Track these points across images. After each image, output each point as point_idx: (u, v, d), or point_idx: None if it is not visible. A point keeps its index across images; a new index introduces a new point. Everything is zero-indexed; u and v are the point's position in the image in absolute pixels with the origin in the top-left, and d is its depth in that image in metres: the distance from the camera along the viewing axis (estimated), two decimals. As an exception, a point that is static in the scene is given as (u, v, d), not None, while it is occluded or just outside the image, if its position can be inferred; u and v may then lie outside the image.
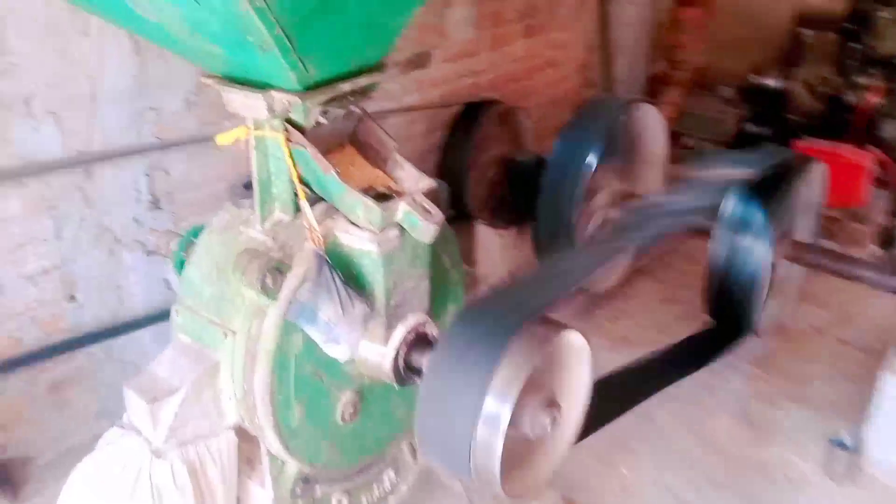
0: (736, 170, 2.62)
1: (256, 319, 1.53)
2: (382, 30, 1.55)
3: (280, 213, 1.62)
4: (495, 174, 3.50)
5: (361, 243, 1.54)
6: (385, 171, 1.69)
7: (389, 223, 1.54)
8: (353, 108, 1.60)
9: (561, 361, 1.55)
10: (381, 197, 1.63)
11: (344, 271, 1.56)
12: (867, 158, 3.98)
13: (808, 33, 4.46)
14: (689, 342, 2.80)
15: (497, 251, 3.38)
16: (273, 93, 1.46)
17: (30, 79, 2.23)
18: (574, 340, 1.54)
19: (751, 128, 4.80)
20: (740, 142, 4.83)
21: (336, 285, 1.52)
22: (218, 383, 1.58)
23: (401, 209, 1.53)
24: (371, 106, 3.24)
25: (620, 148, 3.30)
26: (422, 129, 3.57)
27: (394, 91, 3.37)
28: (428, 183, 1.63)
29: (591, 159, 2.99)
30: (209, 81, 1.55)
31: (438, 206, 1.91)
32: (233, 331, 1.56)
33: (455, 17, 3.56)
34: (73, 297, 2.50)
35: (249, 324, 1.54)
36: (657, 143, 3.42)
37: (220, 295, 1.59)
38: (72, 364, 2.53)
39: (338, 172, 1.53)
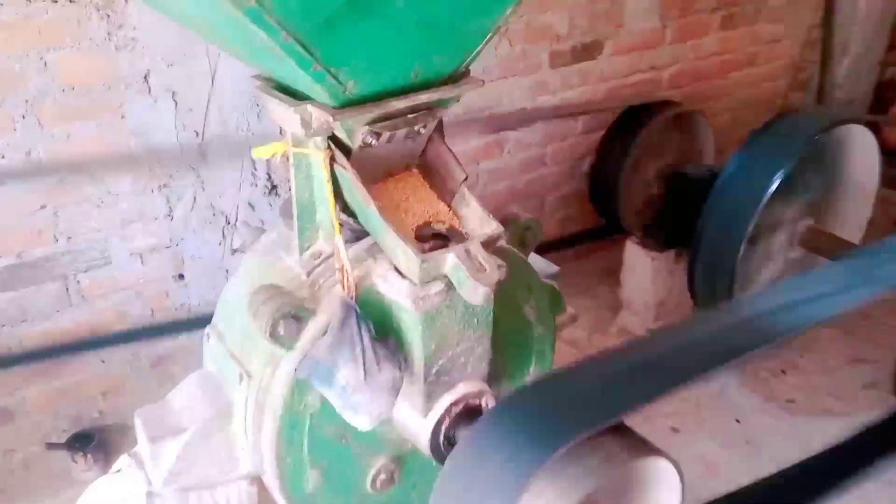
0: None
1: (270, 367, 1.30)
2: (456, 34, 1.21)
3: (323, 244, 1.36)
4: (657, 187, 3.03)
5: (399, 295, 1.24)
6: (450, 206, 1.37)
7: (434, 276, 1.23)
8: (420, 128, 1.29)
9: (634, 489, 1.17)
10: (438, 237, 1.32)
11: (380, 325, 1.28)
12: None
13: None
14: (871, 433, 2.22)
15: (647, 276, 2.93)
16: (309, 107, 1.19)
17: (149, 54, 2.13)
18: (657, 467, 1.15)
19: None
20: None
21: (362, 343, 1.24)
22: (232, 427, 1.38)
23: (449, 261, 1.21)
24: (520, 101, 2.93)
25: (816, 176, 2.71)
26: (581, 125, 3.17)
27: (551, 83, 2.99)
28: (492, 228, 1.29)
29: (774, 186, 2.44)
30: (257, 83, 1.31)
31: (524, 247, 1.56)
32: (248, 373, 1.34)
33: (634, 4, 3.09)
34: (180, 276, 2.44)
35: (263, 371, 1.31)
36: (866, 175, 2.77)
37: (245, 328, 1.37)
38: (176, 342, 2.48)
39: (379, 207, 1.24)
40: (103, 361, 2.39)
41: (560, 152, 3.18)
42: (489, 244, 1.28)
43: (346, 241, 1.33)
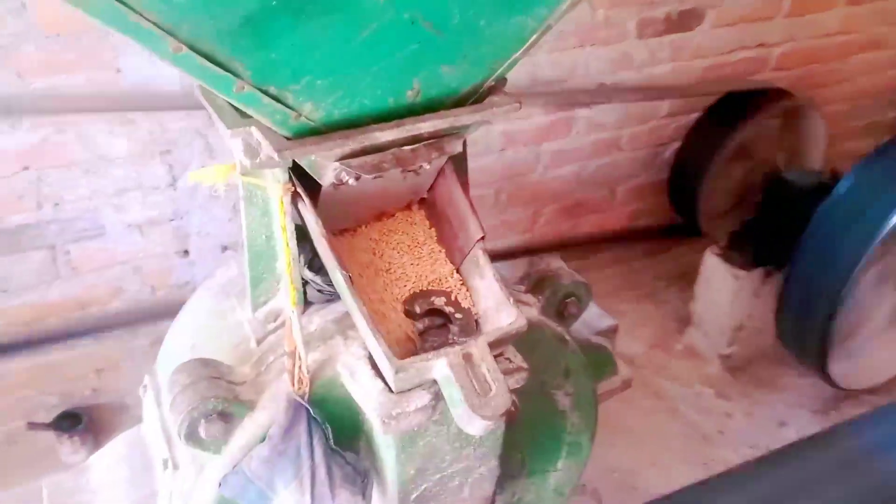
0: None
1: (195, 465, 0.95)
2: (477, 37, 0.79)
3: (284, 301, 0.99)
4: (751, 192, 2.52)
5: (366, 403, 0.87)
6: (459, 270, 0.97)
7: (418, 384, 0.84)
8: (423, 164, 0.88)
9: None
10: (436, 315, 0.93)
11: (346, 423, 0.91)
12: None
13: None
14: None
15: (726, 295, 2.45)
16: (254, 130, 0.80)
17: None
18: None
19: None
20: None
21: (312, 459, 0.87)
22: (155, 519, 1.05)
23: (439, 370, 0.82)
24: (597, 74, 2.44)
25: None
26: (667, 107, 2.67)
27: (637, 55, 2.49)
28: (510, 320, 0.88)
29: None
30: (196, 88, 0.91)
31: (564, 319, 1.14)
32: (175, 462, 1.00)
33: (747, -32, 2.52)
34: (185, 253, 2.12)
35: (189, 466, 0.97)
36: None
37: (179, 397, 1.02)
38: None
39: (348, 276, 0.85)
40: (96, 339, 2.12)
41: (639, 137, 2.68)
42: (502, 342, 0.87)
43: (314, 305, 0.96)
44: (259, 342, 0.97)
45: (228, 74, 0.66)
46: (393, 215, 0.99)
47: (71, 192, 1.89)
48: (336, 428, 0.91)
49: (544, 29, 0.84)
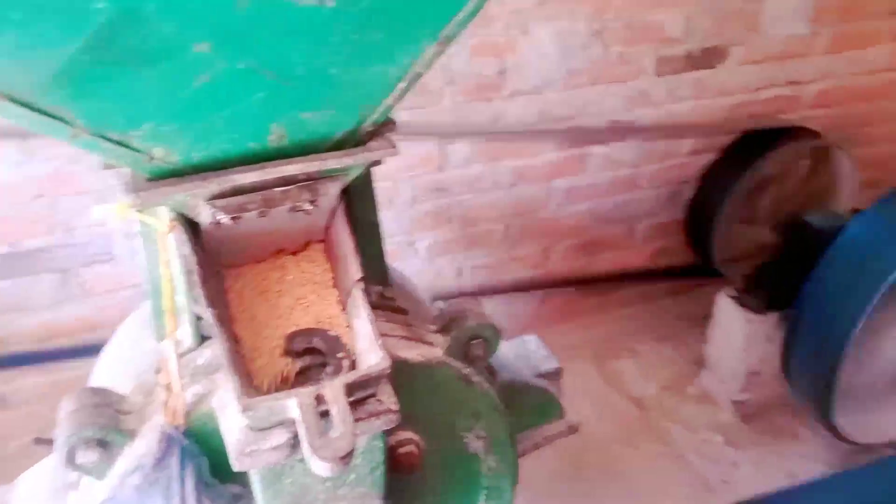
0: None
1: (88, 490, 0.98)
2: (338, 86, 0.80)
3: (185, 333, 1.01)
4: (770, 234, 2.42)
5: (227, 438, 0.88)
6: (345, 309, 0.97)
7: (276, 422, 0.85)
8: (305, 204, 0.89)
9: None
10: (313, 353, 0.93)
11: (218, 464, 0.92)
12: None
13: None
14: None
15: (739, 339, 2.35)
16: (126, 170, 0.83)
17: None
18: None
19: None
20: None
21: (183, 490, 0.89)
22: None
23: (290, 407, 0.83)
24: (611, 112, 2.40)
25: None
26: (687, 146, 2.59)
27: (657, 94, 2.44)
28: (375, 361, 0.88)
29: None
30: None
31: (471, 361, 1.12)
32: (77, 484, 1.03)
33: (779, 5, 2.44)
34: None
35: (83, 491, 1.00)
36: None
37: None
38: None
39: (214, 312, 0.87)
40: (108, 356, 2.22)
41: (659, 174, 2.61)
42: (367, 384, 0.87)
43: (203, 340, 0.98)
44: (157, 372, 1.00)
45: (59, 122, 0.69)
46: (294, 253, 1.01)
47: (82, 219, 1.99)
48: (220, 461, 0.92)
49: (413, 76, 0.84)
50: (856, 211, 2.21)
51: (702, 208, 2.48)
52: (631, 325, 2.82)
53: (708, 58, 2.46)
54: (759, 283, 2.34)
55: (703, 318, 2.72)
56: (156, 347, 1.03)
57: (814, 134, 2.44)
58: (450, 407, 1.08)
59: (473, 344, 1.07)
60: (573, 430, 1.38)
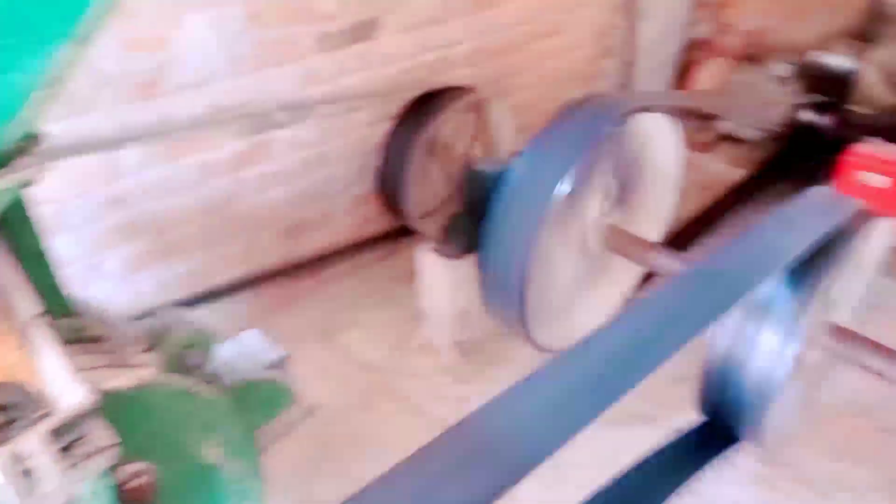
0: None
1: None
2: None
3: None
4: (449, 186, 2.63)
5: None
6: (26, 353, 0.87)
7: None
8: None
9: None
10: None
11: None
12: (951, 176, 2.95)
13: (893, 2, 3.34)
14: (671, 449, 1.97)
15: (446, 286, 2.54)
16: None
17: None
18: None
19: (806, 117, 3.74)
20: (792, 133, 3.79)
21: None
22: None
23: (-15, 476, 0.73)
24: (285, 93, 2.41)
25: (615, 169, 2.39)
26: (365, 118, 2.70)
27: (325, 70, 2.49)
28: (78, 402, 0.80)
29: (561, 186, 2.08)
30: None
31: (189, 371, 1.09)
32: None
33: (417, -27, 2.62)
34: None
35: None
36: (668, 163, 2.48)
37: None
38: None
39: None
40: None
41: (345, 149, 2.69)
42: (72, 426, 0.79)
43: None
44: None
45: None
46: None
47: None
48: None
49: (50, 83, 0.76)
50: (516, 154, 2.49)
51: (389, 174, 2.60)
52: (349, 298, 2.90)
53: (366, 30, 2.57)
54: (452, 232, 2.53)
55: (413, 276, 2.89)
56: None
57: (470, 90, 2.68)
58: (176, 425, 1.03)
59: (187, 354, 1.03)
60: (309, 412, 1.39)
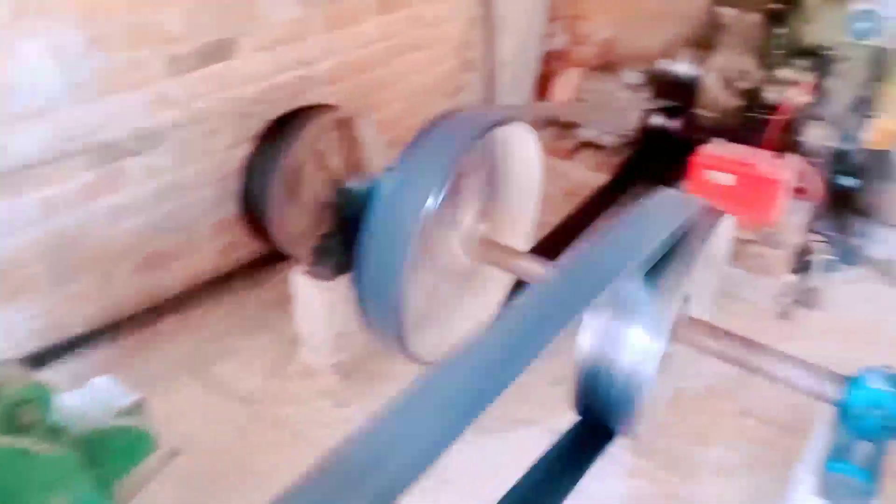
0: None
1: None
2: None
3: None
4: (320, 207, 2.59)
5: None
6: None
7: None
8: None
9: None
10: None
11: None
12: (785, 169, 3.20)
13: (727, 12, 3.60)
14: (555, 453, 2.02)
15: (321, 308, 2.50)
16: None
17: None
18: None
19: (658, 122, 3.97)
20: (646, 137, 4.00)
21: None
22: None
23: None
24: (135, 120, 2.29)
25: (481, 182, 2.44)
26: (226, 141, 2.62)
27: (177, 94, 2.39)
28: None
29: (428, 202, 2.09)
30: None
31: (26, 430, 1.00)
32: None
33: (269, -8, 2.57)
34: None
35: None
36: (529, 174, 2.55)
37: None
38: None
39: None
40: None
41: (203, 173, 2.59)
42: None
43: None
44: None
45: None
46: None
47: None
48: None
49: None
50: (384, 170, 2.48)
51: (252, 197, 2.54)
52: (221, 328, 2.79)
53: (220, 51, 2.49)
54: (324, 253, 2.49)
55: (287, 301, 2.83)
56: None
57: (334, 108, 2.66)
58: (12, 489, 0.94)
59: (22, 411, 0.95)
60: (175, 454, 1.32)
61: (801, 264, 3.37)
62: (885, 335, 3.04)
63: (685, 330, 2.02)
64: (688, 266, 1.87)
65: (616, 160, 4.04)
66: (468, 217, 2.38)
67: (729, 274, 3.25)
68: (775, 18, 3.45)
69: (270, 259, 2.85)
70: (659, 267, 1.86)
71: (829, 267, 3.39)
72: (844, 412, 1.79)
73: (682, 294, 1.90)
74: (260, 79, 2.64)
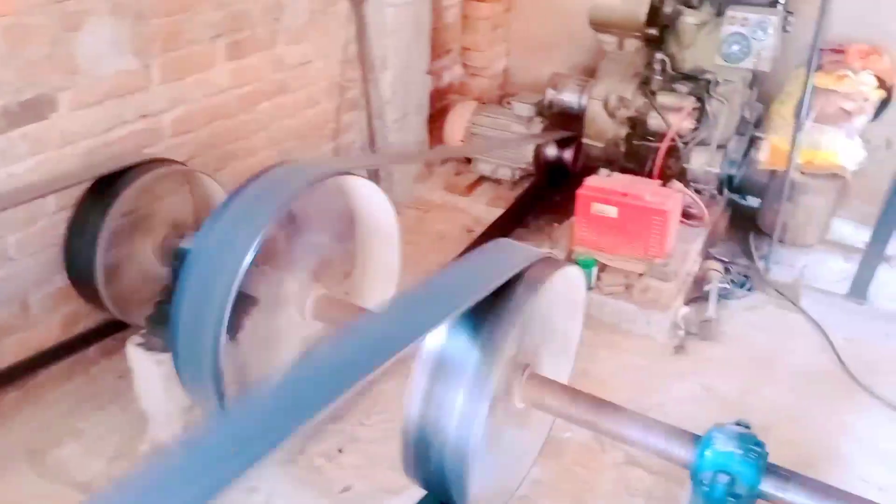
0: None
1: None
2: None
3: None
4: (158, 269, 2.40)
5: None
6: None
7: None
8: None
9: None
10: None
11: None
12: (670, 198, 3.10)
13: (607, 39, 3.51)
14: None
15: (159, 382, 2.29)
16: None
17: None
18: None
19: (552, 153, 3.86)
20: (542, 170, 3.89)
21: None
22: None
23: None
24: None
25: (319, 239, 2.26)
26: (52, 204, 2.41)
27: (-14, 159, 2.19)
28: None
29: (247, 261, 1.90)
30: None
31: None
32: None
33: (92, 42, 2.38)
34: None
35: None
36: (381, 226, 2.38)
37: None
38: None
39: None
40: None
41: (30, 241, 2.38)
42: None
43: None
44: None
45: None
46: None
47: None
48: None
49: None
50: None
51: (77, 265, 2.33)
52: (65, 406, 2.56)
53: (34, 110, 2.29)
54: (158, 322, 2.29)
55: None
56: None
57: (174, 162, 2.47)
58: None
59: None
60: None
61: (697, 294, 3.25)
62: (781, 364, 2.93)
63: (526, 390, 1.86)
64: (514, 321, 1.70)
65: (513, 194, 3.91)
66: (307, 276, 2.20)
67: (623, 310, 3.12)
68: (653, 44, 3.37)
69: (121, 326, 2.63)
70: (483, 320, 1.68)
71: (727, 294, 3.28)
72: (693, 478, 1.63)
73: (508, 350, 1.73)
74: (88, 136, 2.44)
